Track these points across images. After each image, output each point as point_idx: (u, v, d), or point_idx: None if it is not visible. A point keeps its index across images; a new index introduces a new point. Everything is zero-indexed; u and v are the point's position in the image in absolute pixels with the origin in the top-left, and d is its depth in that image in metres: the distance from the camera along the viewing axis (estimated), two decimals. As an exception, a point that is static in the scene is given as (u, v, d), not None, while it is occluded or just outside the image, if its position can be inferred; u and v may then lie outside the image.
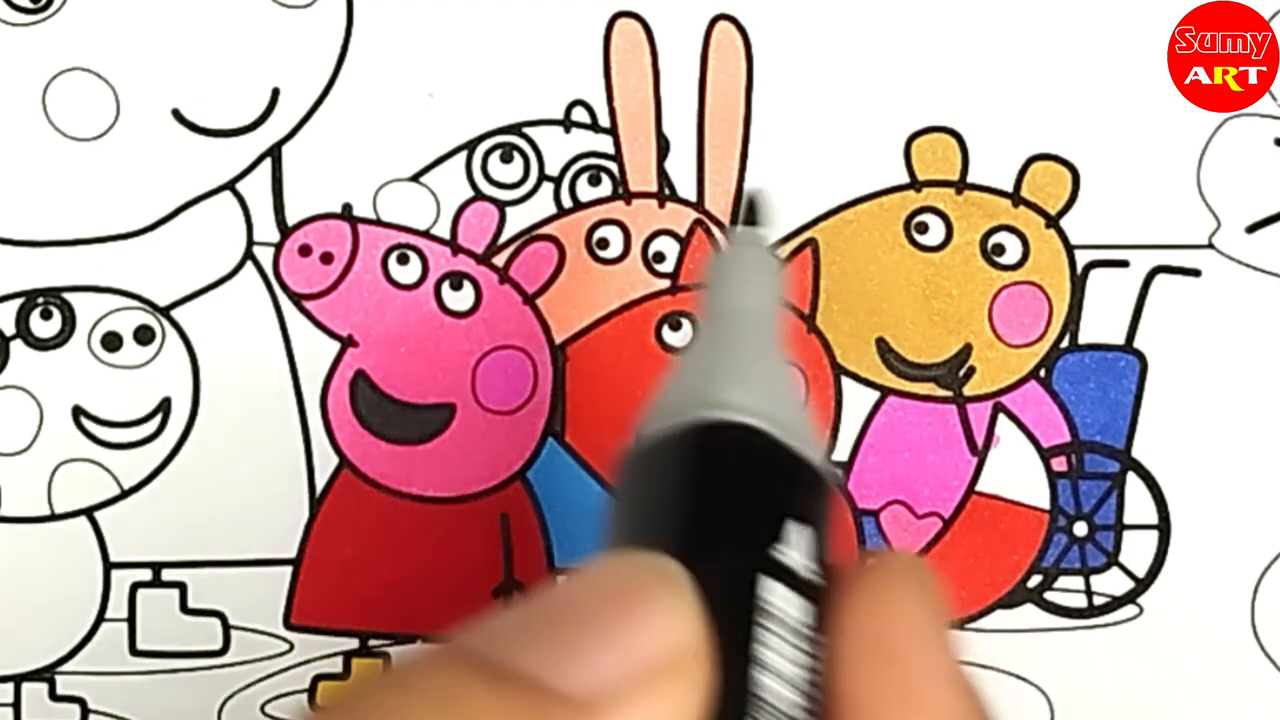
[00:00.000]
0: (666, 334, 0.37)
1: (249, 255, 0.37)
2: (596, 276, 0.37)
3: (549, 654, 0.21)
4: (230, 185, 0.37)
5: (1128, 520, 0.38)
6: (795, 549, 0.24)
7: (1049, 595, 0.38)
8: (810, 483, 0.25)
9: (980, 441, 0.38)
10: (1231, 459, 0.38)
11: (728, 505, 0.24)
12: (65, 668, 0.37)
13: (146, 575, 0.37)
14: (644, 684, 0.21)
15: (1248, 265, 0.38)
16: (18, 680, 0.37)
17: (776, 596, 0.23)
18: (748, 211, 0.29)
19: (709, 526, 0.23)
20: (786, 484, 0.25)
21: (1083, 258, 0.38)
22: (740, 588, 0.23)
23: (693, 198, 0.38)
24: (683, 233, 0.38)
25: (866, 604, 0.24)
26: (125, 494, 0.37)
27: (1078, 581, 0.38)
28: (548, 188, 0.38)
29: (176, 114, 0.37)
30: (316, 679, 0.38)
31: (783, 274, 0.31)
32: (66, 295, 0.37)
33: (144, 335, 0.37)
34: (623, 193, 0.38)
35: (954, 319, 0.38)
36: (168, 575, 0.37)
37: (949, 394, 0.38)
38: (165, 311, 0.37)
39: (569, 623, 0.22)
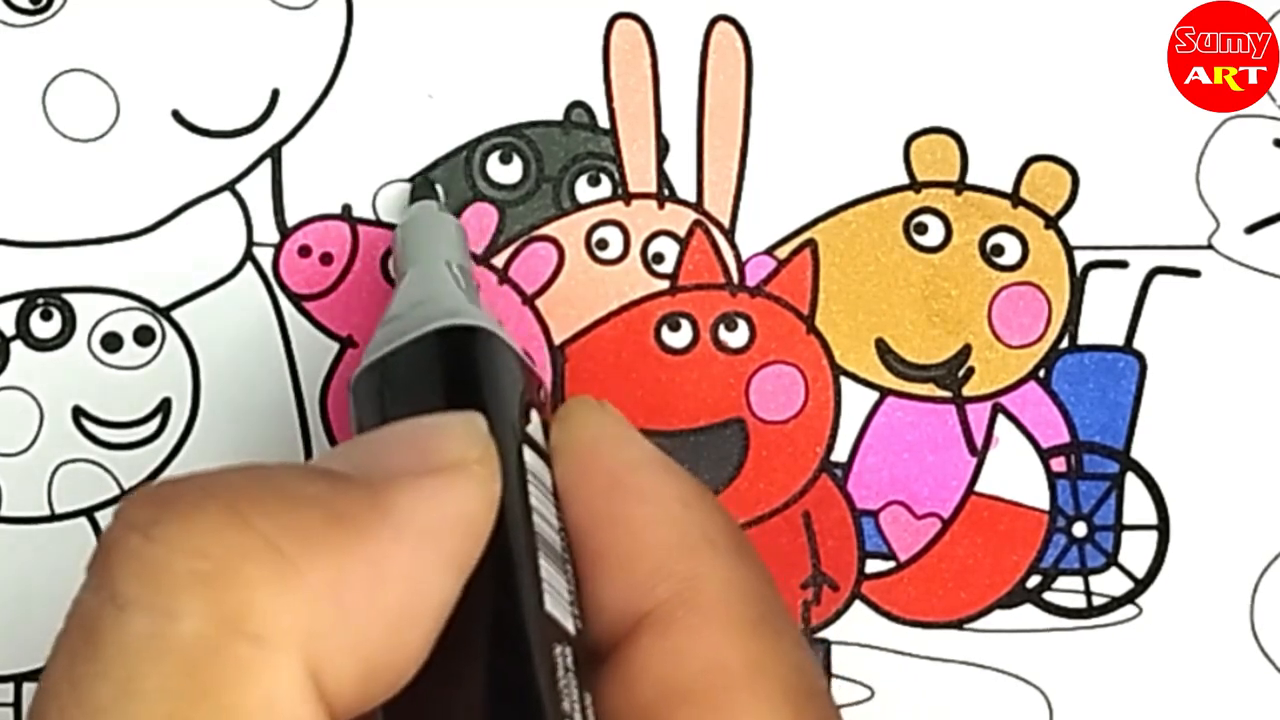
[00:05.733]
0: (666, 334, 0.37)
1: (249, 255, 0.37)
2: (596, 277, 0.37)
3: (355, 460, 0.24)
4: (230, 186, 0.37)
5: (1127, 521, 0.38)
6: (537, 426, 0.29)
7: (1048, 595, 0.38)
8: (534, 377, 0.31)
9: (979, 442, 0.38)
10: (1231, 459, 0.38)
11: (494, 389, 0.29)
12: (65, 667, 0.37)
13: (146, 575, 0.37)
14: (432, 476, 0.24)
15: (1247, 266, 0.38)
16: (18, 680, 0.37)
17: (532, 461, 0.28)
18: (417, 191, 0.37)
19: (484, 406, 0.27)
20: (526, 376, 0.30)
21: (1082, 258, 0.38)
22: (512, 453, 0.27)
23: (692, 198, 0.38)
24: (682, 233, 0.38)
25: (565, 435, 0.29)
26: (125, 494, 0.37)
27: (1077, 582, 0.38)
28: (548, 188, 0.38)
29: (176, 114, 0.37)
30: (316, 679, 0.38)
31: (462, 230, 0.36)
32: (66, 295, 0.37)
33: (144, 335, 0.37)
34: (622, 193, 0.38)
35: (953, 319, 0.38)
36: (168, 575, 0.37)
37: (948, 394, 0.38)
38: (165, 312, 0.37)
39: (374, 443, 0.26)
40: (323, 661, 0.22)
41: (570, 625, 0.26)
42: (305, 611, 0.22)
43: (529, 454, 0.28)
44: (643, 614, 0.27)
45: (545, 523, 0.27)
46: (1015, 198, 0.38)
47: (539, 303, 0.37)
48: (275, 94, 0.37)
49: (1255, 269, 0.38)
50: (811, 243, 0.38)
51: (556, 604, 0.26)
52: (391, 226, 0.37)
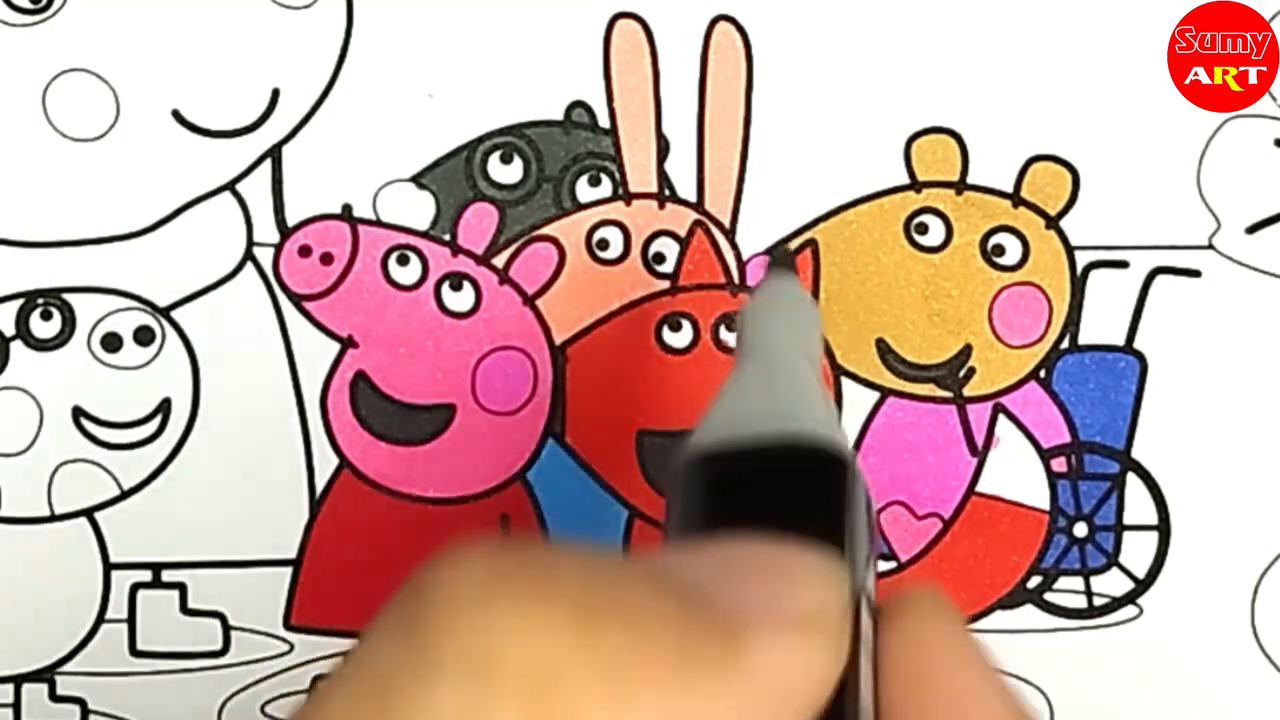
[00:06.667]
0: (666, 334, 0.37)
1: (249, 255, 0.37)
2: (596, 277, 0.37)
3: (705, 575, 0.22)
4: (230, 185, 0.37)
5: (1128, 521, 0.38)
6: (873, 582, 0.26)
7: (1049, 596, 0.38)
8: (878, 524, 0.27)
9: (980, 442, 0.38)
10: (1231, 459, 0.38)
11: (854, 537, 0.25)
12: (65, 668, 0.37)
13: (146, 576, 0.37)
14: (789, 628, 0.21)
15: (1248, 266, 0.38)
16: (18, 680, 0.37)
17: (865, 624, 0.24)
18: (777, 261, 0.34)
19: (825, 545, 0.24)
20: (876, 524, 0.27)
21: (1083, 258, 0.38)
22: (852, 611, 0.24)
23: (692, 198, 0.38)
24: (682, 233, 0.37)
25: (905, 635, 0.25)
26: (125, 494, 0.37)
27: (1077, 582, 0.38)
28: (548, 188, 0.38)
29: (176, 114, 0.37)
30: (316, 679, 0.38)
31: (819, 320, 0.32)
32: (66, 295, 0.37)
33: (144, 335, 0.37)
34: (623, 193, 0.38)
35: (954, 319, 0.38)
36: (168, 575, 0.37)
37: (949, 395, 0.38)
38: (165, 312, 0.37)
39: (727, 560, 0.23)
40: None
41: None
42: None
43: (865, 615, 0.25)
44: None
45: (866, 697, 0.25)
46: (1016, 198, 0.38)
47: (540, 303, 0.37)
48: (275, 94, 0.37)
49: (1255, 269, 0.38)
50: (812, 243, 0.38)
51: None
52: (391, 227, 0.37)
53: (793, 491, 0.26)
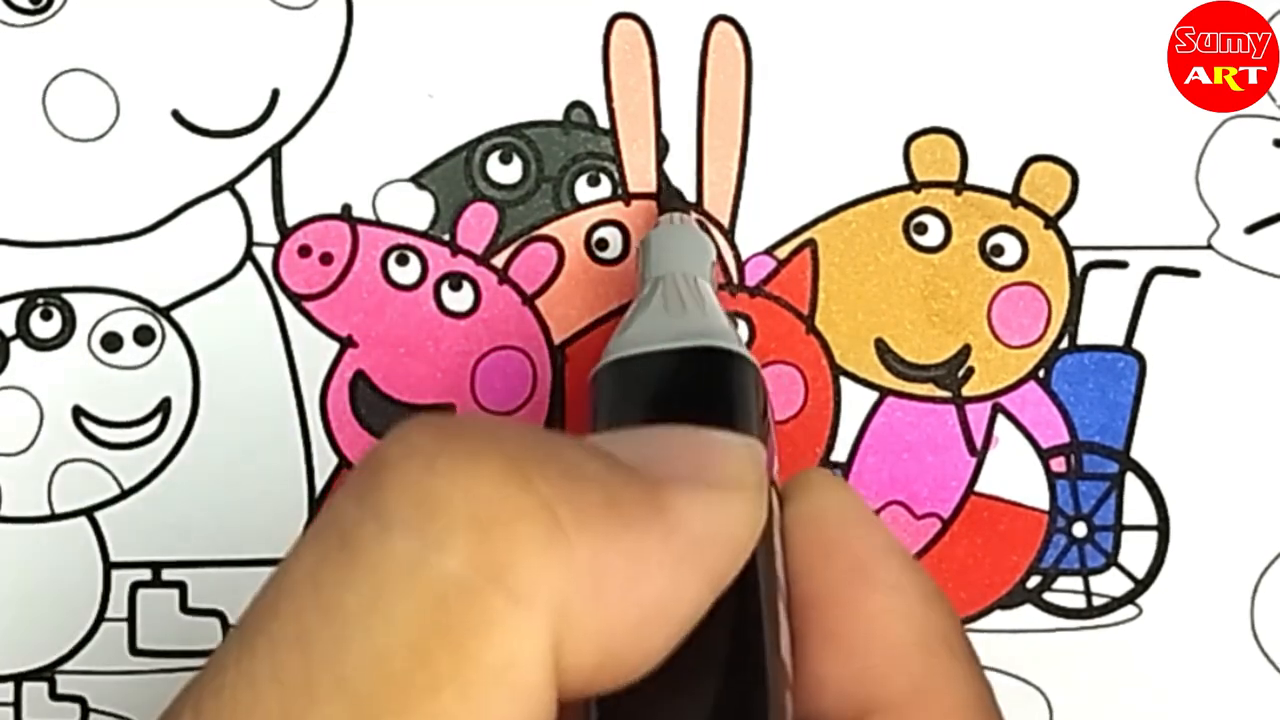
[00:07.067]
0: (666, 334, 0.37)
1: (249, 255, 0.37)
2: (596, 277, 0.38)
3: (632, 451, 0.24)
4: (230, 186, 0.37)
5: (1127, 521, 0.38)
6: (775, 464, 0.28)
7: (1048, 596, 0.38)
8: (771, 416, 0.30)
9: (979, 442, 0.38)
10: (1231, 459, 0.38)
11: (763, 428, 0.28)
12: (65, 667, 0.37)
13: (146, 575, 0.37)
14: (709, 489, 0.24)
15: (1246, 266, 0.38)
16: (18, 679, 0.37)
17: (773, 504, 0.27)
18: (669, 202, 0.36)
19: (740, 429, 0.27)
20: (769, 414, 0.30)
21: (1082, 258, 0.38)
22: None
23: (692, 198, 0.38)
24: (682, 233, 0.37)
25: (806, 508, 0.28)
26: (125, 494, 0.37)
27: (1077, 582, 0.38)
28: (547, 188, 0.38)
29: (176, 114, 0.37)
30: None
31: (713, 249, 0.35)
32: (66, 295, 0.37)
33: (144, 335, 0.37)
34: (622, 193, 0.38)
35: (953, 319, 0.38)
36: (168, 575, 0.37)
37: (948, 394, 0.38)
38: (165, 311, 0.37)
39: (652, 440, 0.25)
40: (568, 637, 0.21)
41: (790, 677, 0.26)
42: (566, 584, 0.21)
43: (773, 496, 0.27)
44: (874, 703, 0.27)
45: (780, 570, 0.27)
46: (1015, 198, 0.38)
47: (539, 303, 0.37)
48: (275, 94, 0.37)
49: (1255, 269, 0.38)
50: (811, 243, 0.38)
51: (785, 652, 0.26)
52: (391, 227, 0.37)
53: (709, 386, 0.29)
